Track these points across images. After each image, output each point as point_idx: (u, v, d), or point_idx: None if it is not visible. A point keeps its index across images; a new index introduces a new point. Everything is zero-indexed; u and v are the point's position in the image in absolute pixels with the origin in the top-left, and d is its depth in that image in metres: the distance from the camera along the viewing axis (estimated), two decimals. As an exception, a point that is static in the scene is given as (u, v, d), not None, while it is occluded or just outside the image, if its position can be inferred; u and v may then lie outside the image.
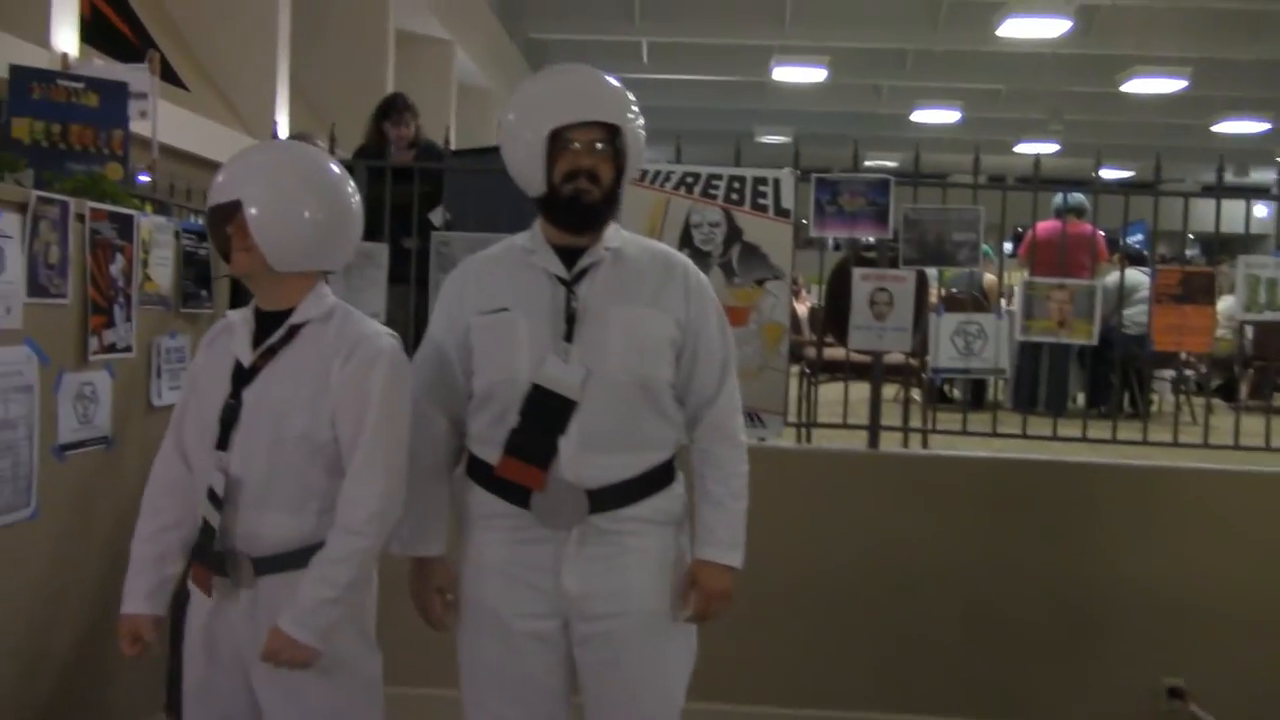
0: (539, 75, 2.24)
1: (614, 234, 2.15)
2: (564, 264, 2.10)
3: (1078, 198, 5.98)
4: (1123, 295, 4.20)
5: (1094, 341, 3.76)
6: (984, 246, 3.84)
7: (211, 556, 2.05)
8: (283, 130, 9.23)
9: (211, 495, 2.02)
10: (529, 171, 2.07)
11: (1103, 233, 5.58)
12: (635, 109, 2.11)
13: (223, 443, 2.04)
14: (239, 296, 3.63)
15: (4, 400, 2.48)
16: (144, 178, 4.54)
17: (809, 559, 3.57)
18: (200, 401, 2.12)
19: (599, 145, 2.05)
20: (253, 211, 2.01)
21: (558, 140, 2.03)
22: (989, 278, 6.23)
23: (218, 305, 3.51)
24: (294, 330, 2.08)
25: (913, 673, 3.61)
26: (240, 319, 2.12)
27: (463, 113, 13.07)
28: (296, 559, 2.03)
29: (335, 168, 2.13)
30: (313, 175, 2.09)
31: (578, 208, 2.06)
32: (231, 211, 2.03)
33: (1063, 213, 5.81)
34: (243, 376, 2.06)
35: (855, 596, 3.59)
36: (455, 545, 2.21)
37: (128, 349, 2.98)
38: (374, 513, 2.02)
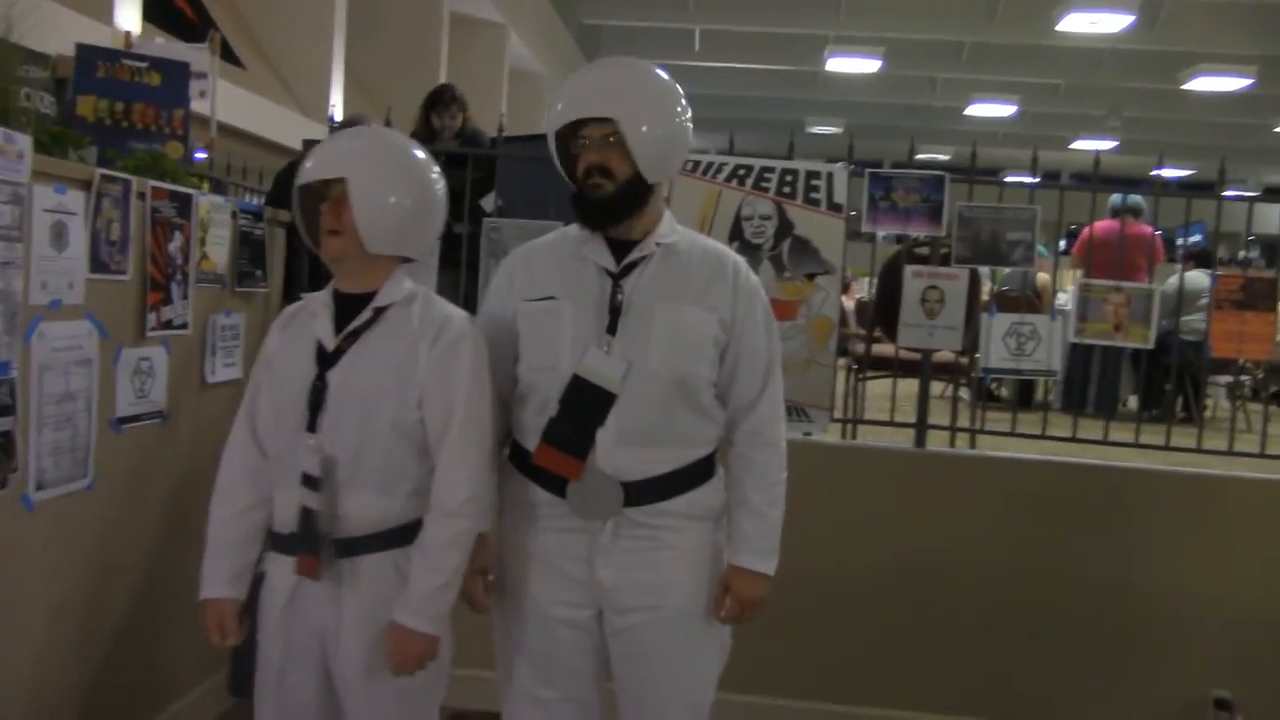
0: (572, 74, 2.24)
1: (669, 228, 2.14)
2: (615, 256, 2.10)
3: (1135, 198, 5.88)
4: (1181, 299, 4.12)
5: (1150, 345, 3.69)
6: (1038, 245, 3.79)
7: (309, 539, 2.04)
8: (338, 112, 9.32)
9: (305, 478, 2.03)
10: (562, 170, 2.11)
11: (1159, 233, 5.48)
12: (651, 98, 2.06)
13: (311, 425, 2.05)
14: (293, 279, 3.67)
15: (65, 373, 2.53)
16: (200, 154, 4.61)
17: (850, 556, 3.56)
18: (276, 383, 2.13)
19: (608, 139, 2.02)
20: (354, 189, 2.01)
21: (573, 139, 2.06)
22: (1042, 276, 6.15)
23: (273, 285, 3.56)
24: (377, 313, 2.09)
25: (950, 675, 3.58)
26: (320, 302, 2.13)
27: (514, 97, 13.12)
28: (383, 540, 2.05)
29: (421, 153, 2.15)
30: (406, 160, 2.11)
31: (587, 203, 2.06)
32: (325, 190, 2.04)
33: (1120, 212, 5.73)
34: (325, 359, 2.07)
35: (895, 595, 3.57)
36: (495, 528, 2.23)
37: (184, 326, 3.03)
38: (470, 495, 2.05)
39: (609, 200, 2.04)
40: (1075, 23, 11.97)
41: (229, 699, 3.12)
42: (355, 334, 2.08)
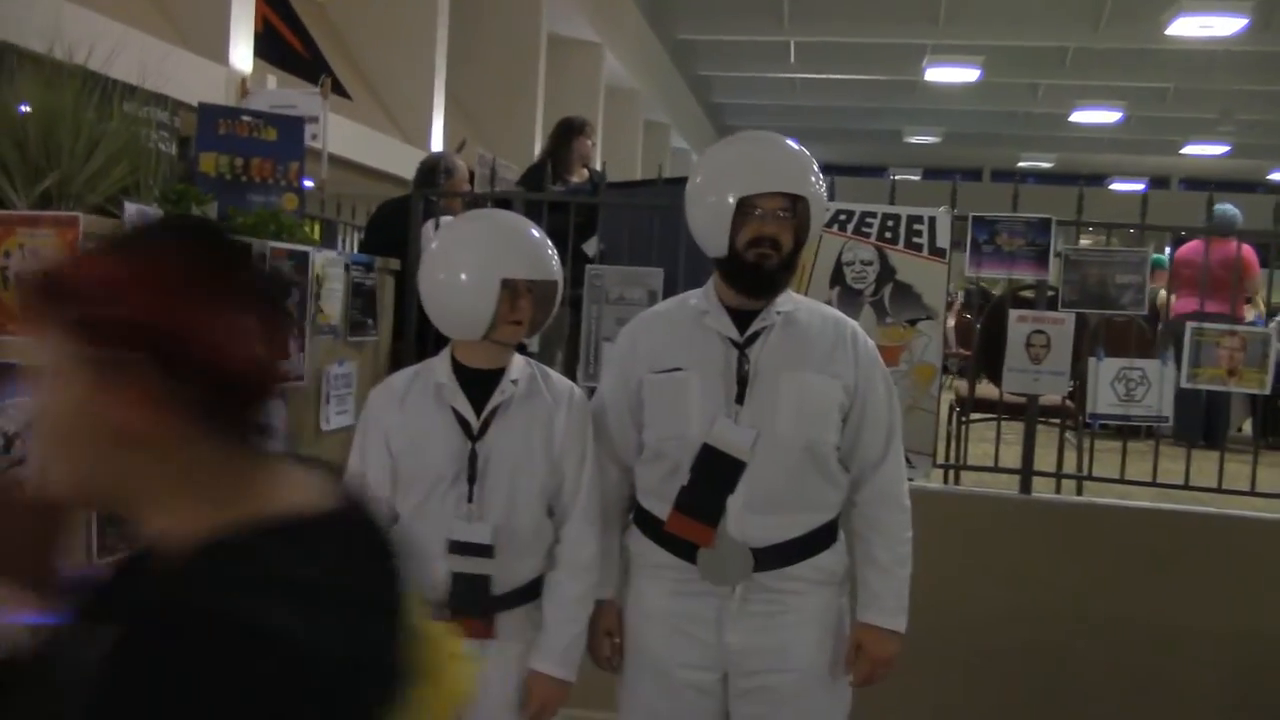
0: (728, 141, 2.31)
1: (785, 297, 2.20)
2: (736, 325, 2.15)
3: (1228, 209, 5.57)
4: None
5: (1266, 391, 3.57)
6: (1155, 255, 3.66)
7: (480, 603, 2.13)
8: (436, 140, 9.53)
9: (474, 548, 2.12)
10: (713, 235, 2.13)
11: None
12: (818, 176, 2.17)
13: (469, 496, 2.15)
14: (402, 326, 3.78)
15: (195, 432, 2.65)
16: (309, 182, 4.76)
17: (952, 607, 3.49)
18: (411, 457, 2.19)
19: (781, 213, 2.10)
20: (544, 289, 2.17)
21: (744, 207, 2.10)
22: (1160, 293, 5.94)
23: (382, 333, 3.67)
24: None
25: (1059, 726, 3.51)
26: (445, 375, 2.21)
27: (610, 115, 13.24)
28: (522, 595, 2.17)
29: (537, 232, 2.25)
30: (546, 251, 2.21)
31: (758, 274, 2.12)
32: (517, 287, 2.13)
33: (1215, 229, 5.48)
34: (469, 433, 2.17)
35: (998, 650, 3.49)
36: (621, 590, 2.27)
37: (300, 378, 3.14)
38: (596, 550, 2.18)
39: (775, 272, 2.12)
40: (1185, 26, 11.64)
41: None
42: (495, 407, 2.18)
